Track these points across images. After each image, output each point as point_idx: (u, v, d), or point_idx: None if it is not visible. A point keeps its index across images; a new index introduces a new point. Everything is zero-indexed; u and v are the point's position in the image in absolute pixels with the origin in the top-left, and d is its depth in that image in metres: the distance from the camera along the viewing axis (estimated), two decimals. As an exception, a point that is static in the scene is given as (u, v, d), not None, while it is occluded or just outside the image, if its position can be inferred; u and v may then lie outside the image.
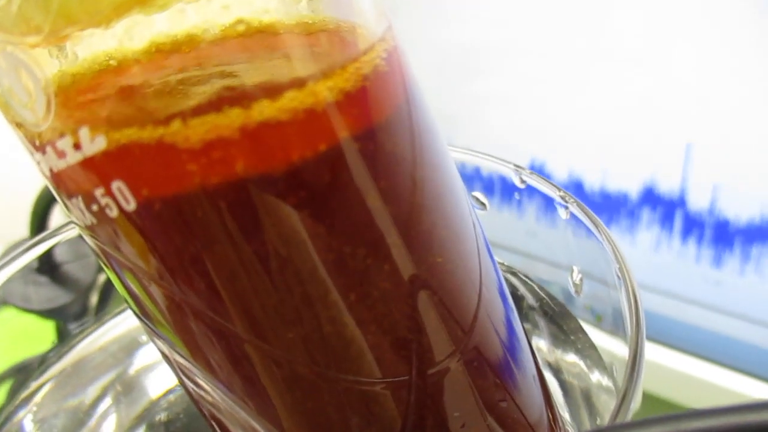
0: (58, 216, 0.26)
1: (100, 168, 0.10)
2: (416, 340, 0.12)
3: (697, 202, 0.35)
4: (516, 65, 0.38)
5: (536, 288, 0.19)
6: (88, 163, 0.10)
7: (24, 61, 0.09)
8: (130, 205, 0.10)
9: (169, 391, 0.22)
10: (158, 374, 0.23)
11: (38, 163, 0.11)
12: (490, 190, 0.20)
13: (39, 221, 0.23)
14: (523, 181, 0.18)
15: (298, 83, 0.10)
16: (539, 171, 0.40)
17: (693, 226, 0.36)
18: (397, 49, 0.12)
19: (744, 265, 0.35)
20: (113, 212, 0.10)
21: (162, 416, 0.22)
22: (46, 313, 0.26)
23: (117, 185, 0.10)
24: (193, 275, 0.10)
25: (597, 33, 0.35)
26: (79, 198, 0.10)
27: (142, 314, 0.12)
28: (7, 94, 0.10)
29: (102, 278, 0.27)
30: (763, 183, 0.33)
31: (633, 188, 0.37)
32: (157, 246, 0.10)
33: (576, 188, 0.39)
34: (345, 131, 0.10)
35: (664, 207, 0.36)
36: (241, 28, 0.10)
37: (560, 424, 0.16)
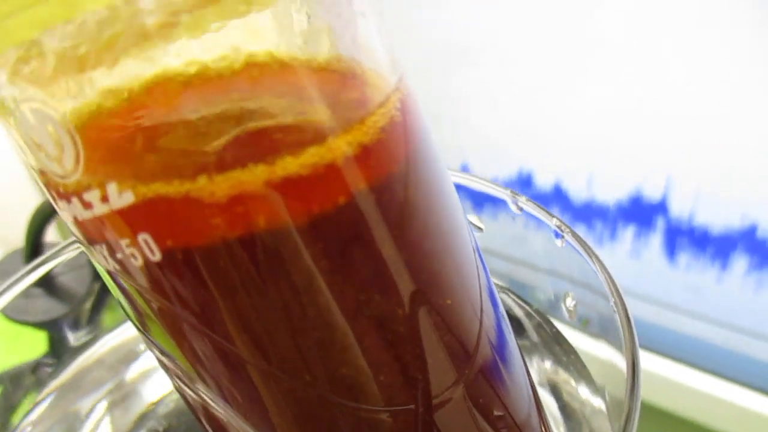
0: (52, 232, 0.26)
1: (127, 221, 0.10)
2: (424, 378, 0.12)
3: (679, 210, 0.36)
4: (504, 68, 0.39)
5: (531, 311, 0.20)
6: (115, 216, 0.10)
7: (54, 118, 0.09)
8: (156, 256, 0.10)
9: (165, 398, 0.23)
10: (154, 382, 0.23)
11: (61, 209, 0.11)
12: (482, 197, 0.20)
13: (35, 233, 0.23)
14: (519, 208, 0.18)
15: (320, 138, 0.10)
16: (527, 178, 0.40)
17: (674, 234, 0.37)
18: (410, 97, 0.12)
19: (722, 273, 0.36)
20: (138, 261, 0.10)
21: (158, 424, 0.22)
22: (41, 325, 0.26)
23: (143, 237, 0.10)
24: (213, 318, 0.11)
25: (587, 43, 0.35)
26: (103, 246, 0.11)
27: (149, 334, 0.12)
28: (32, 145, 0.10)
29: (96, 288, 0.28)
30: (742, 194, 0.34)
31: (617, 196, 0.38)
32: (178, 291, 0.11)
33: (561, 194, 0.40)
34: (362, 183, 0.11)
35: (647, 214, 0.37)
36: (257, 72, 0.11)
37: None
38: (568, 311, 0.18)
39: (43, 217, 0.22)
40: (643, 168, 0.37)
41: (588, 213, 0.39)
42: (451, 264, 0.12)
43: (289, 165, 0.10)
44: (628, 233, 0.38)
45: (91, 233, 0.11)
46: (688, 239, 0.36)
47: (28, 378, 0.24)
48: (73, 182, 0.10)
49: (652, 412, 0.37)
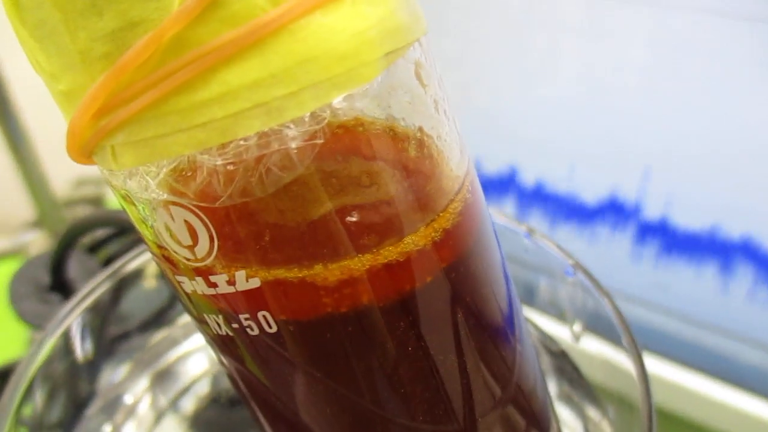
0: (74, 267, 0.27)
1: (249, 300, 0.12)
2: (471, 403, 0.14)
3: (652, 212, 0.39)
4: (486, 73, 0.41)
5: (537, 333, 0.22)
6: (238, 296, 0.12)
7: (196, 217, 0.11)
8: (272, 329, 0.12)
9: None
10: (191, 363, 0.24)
11: (179, 282, 0.12)
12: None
13: (65, 245, 0.24)
14: (535, 243, 0.20)
15: (413, 228, 0.12)
16: (510, 175, 0.43)
17: (646, 233, 0.40)
18: (474, 176, 0.14)
19: (695, 272, 0.39)
20: (254, 332, 0.12)
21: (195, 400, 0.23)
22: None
23: (262, 314, 0.12)
24: (314, 374, 0.13)
25: (568, 40, 0.37)
26: (220, 316, 0.12)
27: (243, 367, 0.14)
28: (163, 233, 0.11)
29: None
30: (711, 197, 0.37)
31: (594, 196, 0.41)
32: (284, 354, 0.12)
33: (541, 191, 0.43)
34: (444, 262, 0.12)
35: (622, 215, 0.40)
36: (367, 179, 0.12)
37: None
38: (575, 335, 0.20)
39: (76, 233, 0.23)
40: (620, 168, 0.39)
41: (567, 211, 0.42)
42: (505, 320, 0.14)
43: (391, 254, 0.12)
44: (603, 232, 0.41)
45: (209, 305, 0.12)
46: (660, 240, 0.39)
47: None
48: (200, 266, 0.11)
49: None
